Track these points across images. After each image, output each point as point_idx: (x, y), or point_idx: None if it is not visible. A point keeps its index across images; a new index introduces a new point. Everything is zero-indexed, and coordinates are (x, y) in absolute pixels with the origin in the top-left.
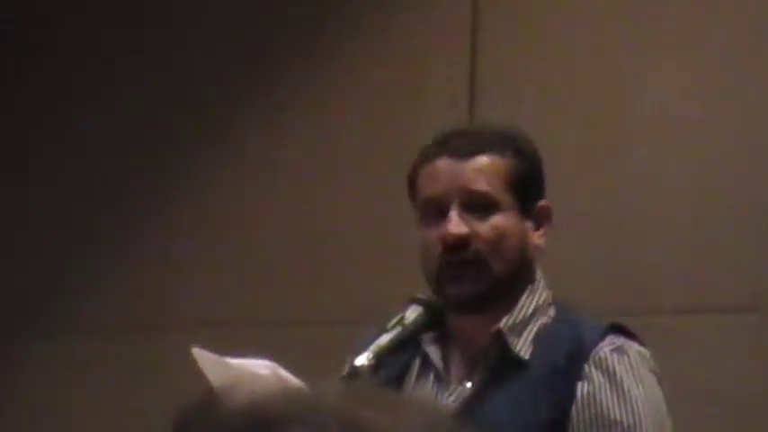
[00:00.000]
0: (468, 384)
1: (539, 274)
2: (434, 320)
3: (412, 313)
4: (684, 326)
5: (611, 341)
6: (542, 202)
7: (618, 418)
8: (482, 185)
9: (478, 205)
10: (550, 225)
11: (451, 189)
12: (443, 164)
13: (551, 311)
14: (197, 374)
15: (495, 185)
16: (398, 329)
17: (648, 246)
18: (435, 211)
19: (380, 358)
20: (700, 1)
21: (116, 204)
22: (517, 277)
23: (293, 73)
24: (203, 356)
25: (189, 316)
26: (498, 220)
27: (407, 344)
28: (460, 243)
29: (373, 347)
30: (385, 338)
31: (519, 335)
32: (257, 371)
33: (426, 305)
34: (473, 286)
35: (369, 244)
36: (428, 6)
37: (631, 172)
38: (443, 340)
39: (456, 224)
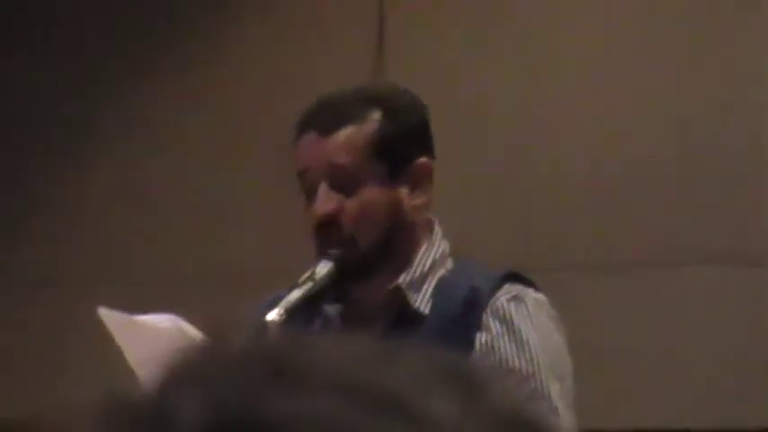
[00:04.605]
0: None
1: (436, 228)
2: (345, 276)
3: (323, 268)
4: (589, 281)
5: (508, 290)
6: (419, 161)
7: (516, 365)
8: (343, 159)
9: (343, 180)
10: (430, 182)
11: (317, 166)
12: (309, 139)
13: (449, 263)
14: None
15: (357, 157)
16: (309, 285)
17: (554, 202)
18: (308, 186)
19: (291, 314)
20: None
21: (30, 162)
22: (391, 242)
23: (198, 26)
24: (109, 316)
25: (89, 273)
26: (364, 193)
27: (314, 301)
28: (327, 221)
29: (284, 303)
30: (295, 294)
31: (418, 290)
32: (159, 325)
33: (337, 260)
34: (343, 261)
35: (269, 201)
36: None
37: (541, 128)
38: (343, 299)
39: (322, 203)
